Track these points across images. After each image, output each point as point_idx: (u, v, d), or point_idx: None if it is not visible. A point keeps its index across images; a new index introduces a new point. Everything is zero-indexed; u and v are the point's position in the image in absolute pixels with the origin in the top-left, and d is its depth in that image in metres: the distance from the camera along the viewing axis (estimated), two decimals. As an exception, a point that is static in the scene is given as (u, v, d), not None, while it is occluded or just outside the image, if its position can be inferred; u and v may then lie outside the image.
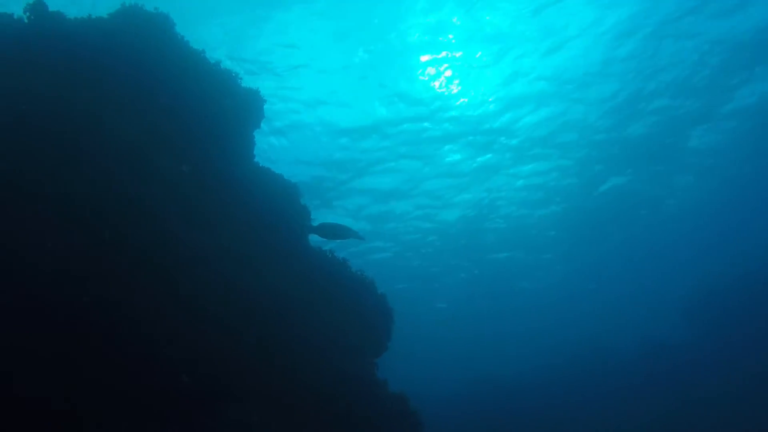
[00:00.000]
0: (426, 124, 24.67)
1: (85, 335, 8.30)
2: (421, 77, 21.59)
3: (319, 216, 25.53)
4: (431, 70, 21.33)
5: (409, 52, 20.37)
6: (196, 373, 8.96)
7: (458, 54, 20.55)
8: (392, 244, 35.41)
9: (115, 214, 9.83)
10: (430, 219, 33.04)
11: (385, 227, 32.89)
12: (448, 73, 21.46)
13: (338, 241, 12.69)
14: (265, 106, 13.87)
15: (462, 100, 23.02)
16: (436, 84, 21.94)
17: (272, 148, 24.88)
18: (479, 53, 20.66)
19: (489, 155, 27.34)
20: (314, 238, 13.11)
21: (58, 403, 7.58)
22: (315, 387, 10.33)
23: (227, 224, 11.25)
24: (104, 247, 9.43)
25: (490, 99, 23.14)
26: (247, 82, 13.64)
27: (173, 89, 12.21)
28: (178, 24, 12.87)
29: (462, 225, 33.59)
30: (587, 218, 34.08)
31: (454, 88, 22.24)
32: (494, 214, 32.84)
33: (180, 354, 9.18)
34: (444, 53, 20.49)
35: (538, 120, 25.09)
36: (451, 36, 19.72)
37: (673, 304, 46.95)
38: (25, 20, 11.00)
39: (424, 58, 20.71)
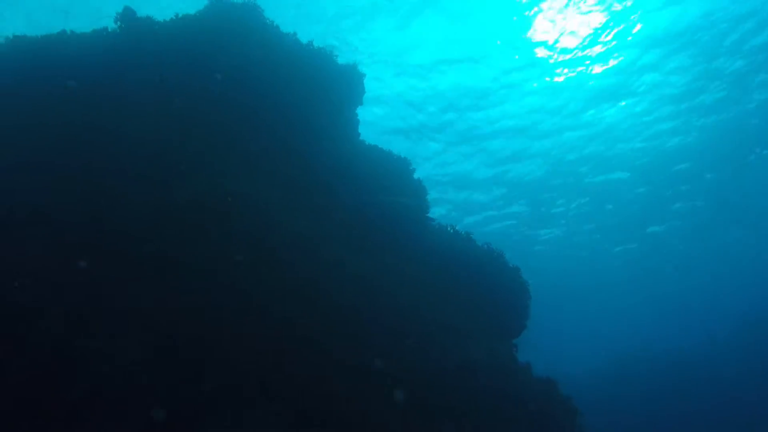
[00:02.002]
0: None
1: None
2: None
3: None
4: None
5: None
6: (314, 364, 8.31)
7: None
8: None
9: (222, 205, 9.47)
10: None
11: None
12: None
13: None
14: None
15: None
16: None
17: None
18: None
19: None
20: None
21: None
22: (450, 377, 9.29)
23: (337, 207, 10.53)
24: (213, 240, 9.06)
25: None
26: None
27: (269, 75, 11.71)
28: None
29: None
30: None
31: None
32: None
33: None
34: None
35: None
36: None
37: None
38: (117, 29, 10.97)
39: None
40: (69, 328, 7.43)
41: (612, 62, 20.54)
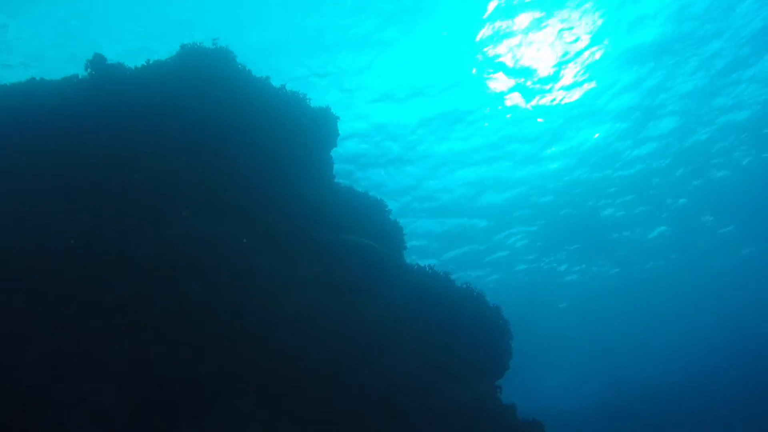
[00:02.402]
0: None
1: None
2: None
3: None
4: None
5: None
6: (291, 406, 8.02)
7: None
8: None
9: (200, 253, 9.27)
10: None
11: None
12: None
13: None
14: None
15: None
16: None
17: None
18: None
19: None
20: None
21: None
22: (434, 421, 9.03)
23: (312, 249, 10.36)
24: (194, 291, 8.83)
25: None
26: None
27: (242, 120, 11.65)
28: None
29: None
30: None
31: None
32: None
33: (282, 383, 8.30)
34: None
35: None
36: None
37: None
38: (87, 76, 10.88)
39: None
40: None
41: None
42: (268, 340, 8.66)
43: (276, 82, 12.55)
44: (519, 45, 18.53)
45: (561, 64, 19.59)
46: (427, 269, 11.68)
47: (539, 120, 22.38)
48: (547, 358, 49.14)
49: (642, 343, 51.66)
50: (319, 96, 18.14)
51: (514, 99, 21.06)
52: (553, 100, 21.28)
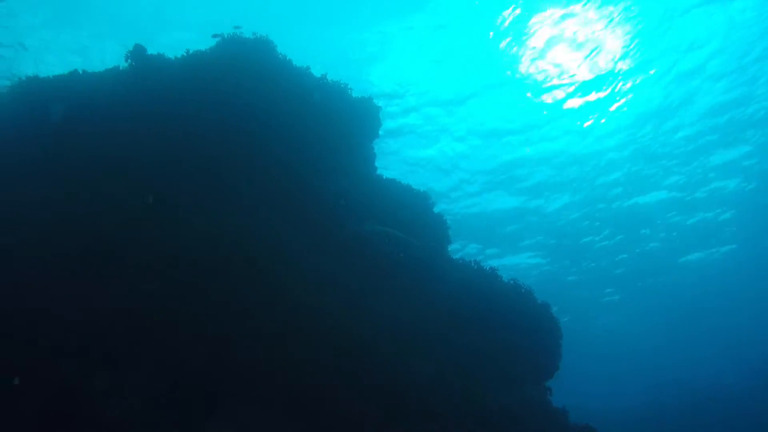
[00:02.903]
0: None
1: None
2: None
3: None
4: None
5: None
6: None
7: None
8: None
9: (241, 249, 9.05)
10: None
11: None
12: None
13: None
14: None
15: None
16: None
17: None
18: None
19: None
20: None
21: None
22: (479, 426, 8.57)
23: (353, 245, 10.02)
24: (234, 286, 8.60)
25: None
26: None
27: (283, 111, 11.40)
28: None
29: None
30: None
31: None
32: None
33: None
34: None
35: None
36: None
37: None
38: (128, 68, 10.78)
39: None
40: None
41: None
42: (297, 335, 8.36)
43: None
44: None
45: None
46: (472, 264, 11.21)
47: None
48: (590, 357, 47.93)
49: (691, 343, 49.85)
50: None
51: None
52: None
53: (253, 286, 8.46)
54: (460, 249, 27.82)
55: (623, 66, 18.40)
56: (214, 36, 11.59)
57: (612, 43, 17.53)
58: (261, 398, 7.81)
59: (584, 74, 18.60)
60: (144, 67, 10.77)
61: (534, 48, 17.45)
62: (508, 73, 18.53)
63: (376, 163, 12.92)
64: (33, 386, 7.08)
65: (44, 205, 9.05)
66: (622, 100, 19.86)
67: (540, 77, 18.56)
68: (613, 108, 20.18)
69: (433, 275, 10.91)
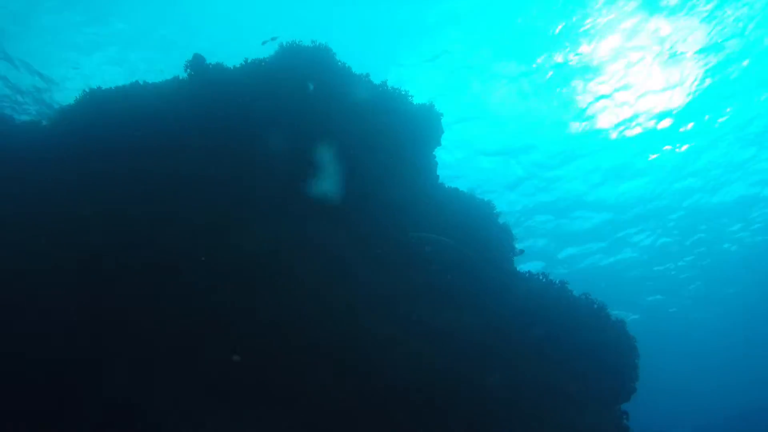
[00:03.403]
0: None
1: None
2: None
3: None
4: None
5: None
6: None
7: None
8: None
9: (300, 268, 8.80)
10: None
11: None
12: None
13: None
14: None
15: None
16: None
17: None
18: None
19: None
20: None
21: None
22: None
23: (416, 258, 9.57)
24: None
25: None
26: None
27: (342, 119, 11.15)
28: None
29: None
30: None
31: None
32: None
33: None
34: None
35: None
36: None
37: None
38: (187, 77, 10.80)
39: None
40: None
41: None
42: (371, 356, 7.97)
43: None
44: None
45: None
46: (540, 277, 10.52)
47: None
48: (666, 378, 45.25)
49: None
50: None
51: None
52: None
53: (293, 294, 8.18)
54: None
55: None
56: (264, 43, 11.45)
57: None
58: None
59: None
60: (203, 77, 10.77)
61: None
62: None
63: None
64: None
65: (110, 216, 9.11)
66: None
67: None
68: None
69: (495, 288, 10.31)
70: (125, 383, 7.31)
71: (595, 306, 10.13)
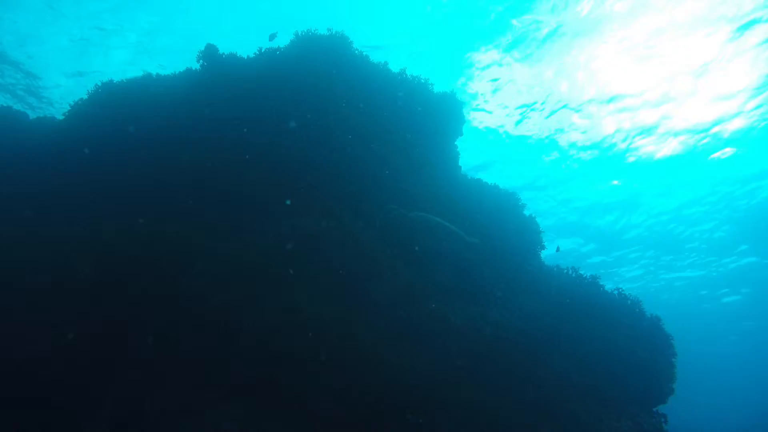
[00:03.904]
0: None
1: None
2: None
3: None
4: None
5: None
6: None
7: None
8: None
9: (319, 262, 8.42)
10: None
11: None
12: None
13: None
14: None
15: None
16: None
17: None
18: None
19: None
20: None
21: None
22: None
23: (439, 252, 9.12)
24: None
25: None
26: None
27: (359, 108, 10.74)
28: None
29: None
30: None
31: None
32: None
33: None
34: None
35: None
36: None
37: None
38: (200, 68, 10.47)
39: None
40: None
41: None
42: (396, 354, 7.55)
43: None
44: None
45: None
46: (569, 272, 10.00)
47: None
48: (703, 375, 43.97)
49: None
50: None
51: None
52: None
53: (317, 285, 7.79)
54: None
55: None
56: (272, 36, 11.02)
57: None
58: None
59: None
60: (217, 67, 10.43)
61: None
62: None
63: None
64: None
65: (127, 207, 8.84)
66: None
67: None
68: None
69: (522, 282, 9.82)
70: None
71: (629, 301, 9.58)
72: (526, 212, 11.11)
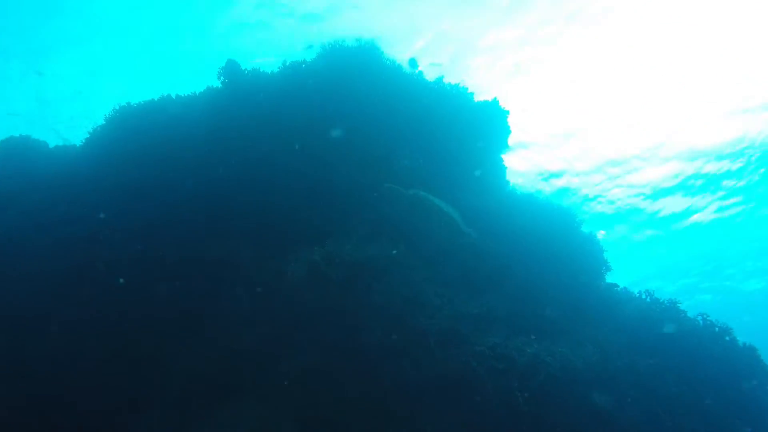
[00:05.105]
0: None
1: None
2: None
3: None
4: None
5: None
6: None
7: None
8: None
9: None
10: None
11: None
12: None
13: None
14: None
15: None
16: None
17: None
18: None
19: None
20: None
21: None
22: None
23: (489, 276, 7.97)
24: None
25: None
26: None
27: (394, 122, 9.81)
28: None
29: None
30: None
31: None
32: None
33: None
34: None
35: None
36: None
37: None
38: (221, 85, 9.72)
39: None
40: None
41: None
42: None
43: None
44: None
45: None
46: (644, 296, 8.66)
47: None
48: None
49: None
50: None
51: None
52: None
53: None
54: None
55: None
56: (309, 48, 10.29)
57: None
58: None
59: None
60: (239, 84, 9.66)
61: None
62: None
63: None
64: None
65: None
66: None
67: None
68: None
69: (588, 309, 8.55)
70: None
71: (717, 329, 8.18)
72: (585, 229, 9.87)
